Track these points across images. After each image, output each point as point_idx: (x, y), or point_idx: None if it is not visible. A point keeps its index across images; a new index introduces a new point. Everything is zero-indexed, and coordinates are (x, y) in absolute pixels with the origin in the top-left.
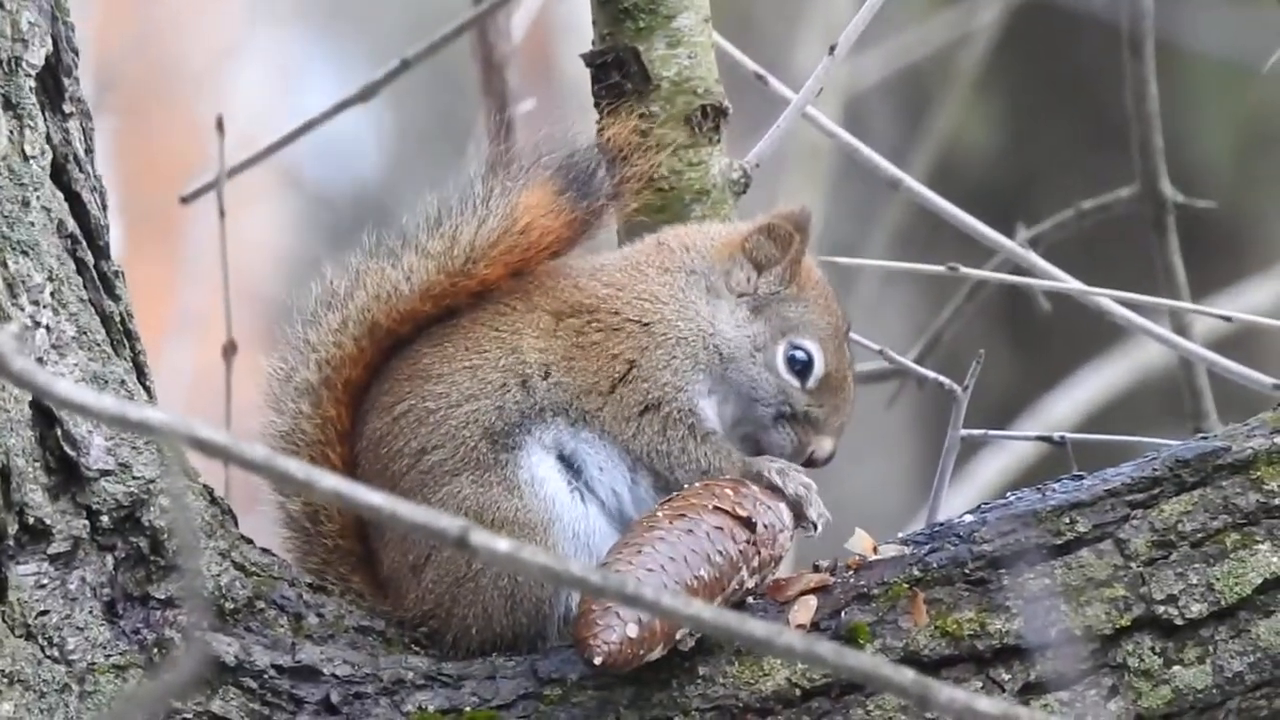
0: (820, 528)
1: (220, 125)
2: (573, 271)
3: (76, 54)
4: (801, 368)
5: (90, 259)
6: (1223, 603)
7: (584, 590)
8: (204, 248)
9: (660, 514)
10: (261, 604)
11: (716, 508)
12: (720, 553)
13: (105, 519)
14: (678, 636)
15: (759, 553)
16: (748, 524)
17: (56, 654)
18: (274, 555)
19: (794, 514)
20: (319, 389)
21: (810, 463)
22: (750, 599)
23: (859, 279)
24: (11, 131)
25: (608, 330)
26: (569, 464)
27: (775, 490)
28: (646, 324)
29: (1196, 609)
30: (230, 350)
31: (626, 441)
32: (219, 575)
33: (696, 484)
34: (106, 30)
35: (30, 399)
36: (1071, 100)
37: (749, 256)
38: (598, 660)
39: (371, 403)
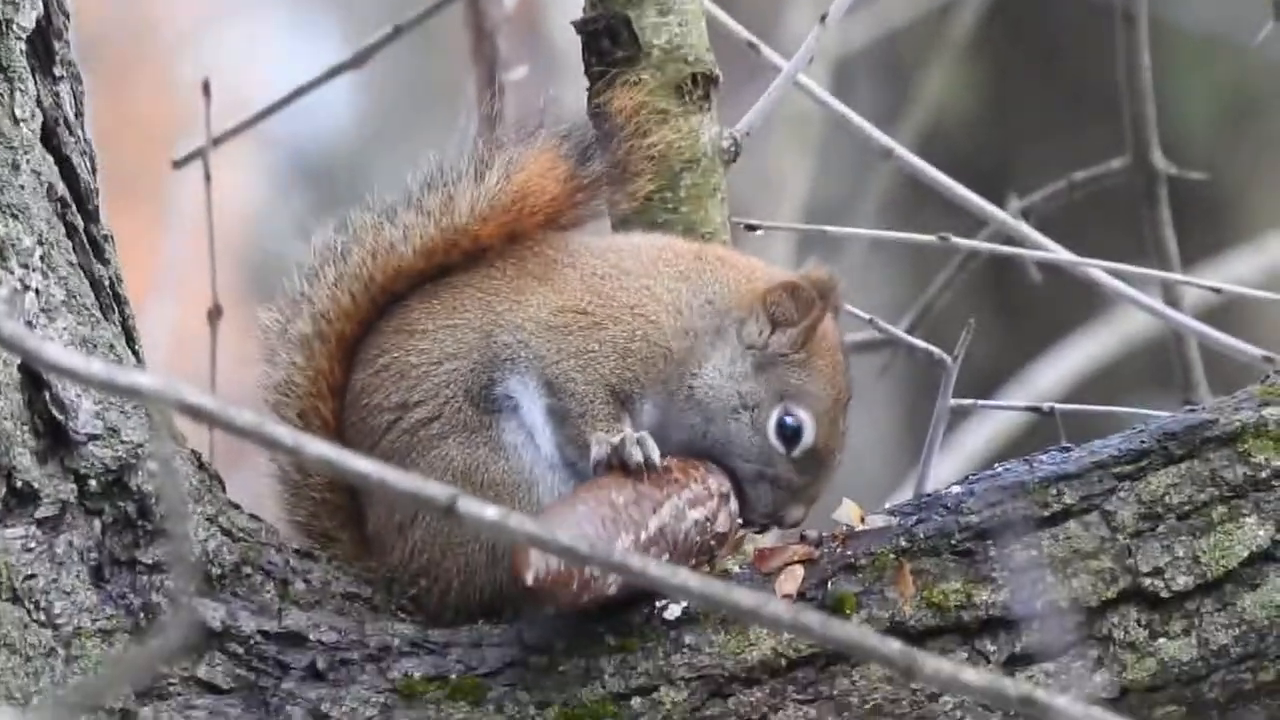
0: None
1: (207, 89)
2: (575, 246)
3: (68, 17)
4: (791, 435)
5: (80, 223)
6: (1209, 576)
7: (569, 558)
8: (183, 206)
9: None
10: (248, 569)
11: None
12: (611, 503)
13: (93, 483)
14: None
15: (657, 489)
16: (624, 469)
17: (43, 618)
18: (261, 520)
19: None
20: (313, 342)
21: (777, 524)
22: (736, 569)
23: (847, 247)
24: (2, 95)
25: (592, 325)
26: (535, 424)
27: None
28: (640, 314)
29: (1182, 582)
30: (215, 314)
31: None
32: (206, 541)
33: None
34: None
35: (19, 363)
36: (1055, 68)
37: (768, 311)
38: (529, 577)
39: (360, 356)
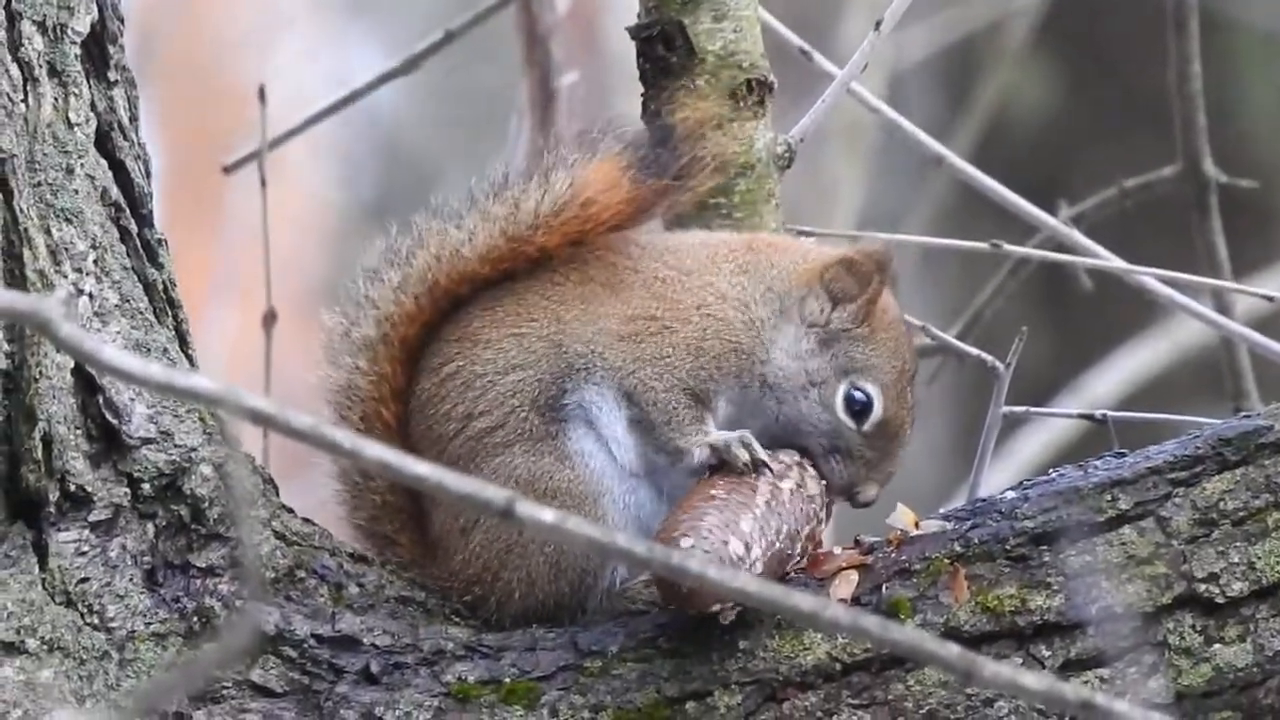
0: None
1: (262, 95)
2: (636, 250)
3: (122, 21)
4: (860, 410)
5: (133, 227)
6: (1264, 581)
7: (630, 562)
8: (242, 215)
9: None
10: (302, 573)
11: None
12: (795, 515)
13: (146, 487)
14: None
15: (820, 516)
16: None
17: (96, 621)
18: (315, 525)
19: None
20: (376, 345)
21: (851, 501)
22: (791, 573)
23: (900, 254)
24: (56, 99)
25: (662, 329)
26: (615, 436)
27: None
28: (708, 313)
29: (1237, 587)
30: (270, 319)
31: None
32: (260, 544)
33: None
34: None
35: (72, 366)
36: (1110, 76)
37: (826, 288)
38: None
39: (424, 363)
